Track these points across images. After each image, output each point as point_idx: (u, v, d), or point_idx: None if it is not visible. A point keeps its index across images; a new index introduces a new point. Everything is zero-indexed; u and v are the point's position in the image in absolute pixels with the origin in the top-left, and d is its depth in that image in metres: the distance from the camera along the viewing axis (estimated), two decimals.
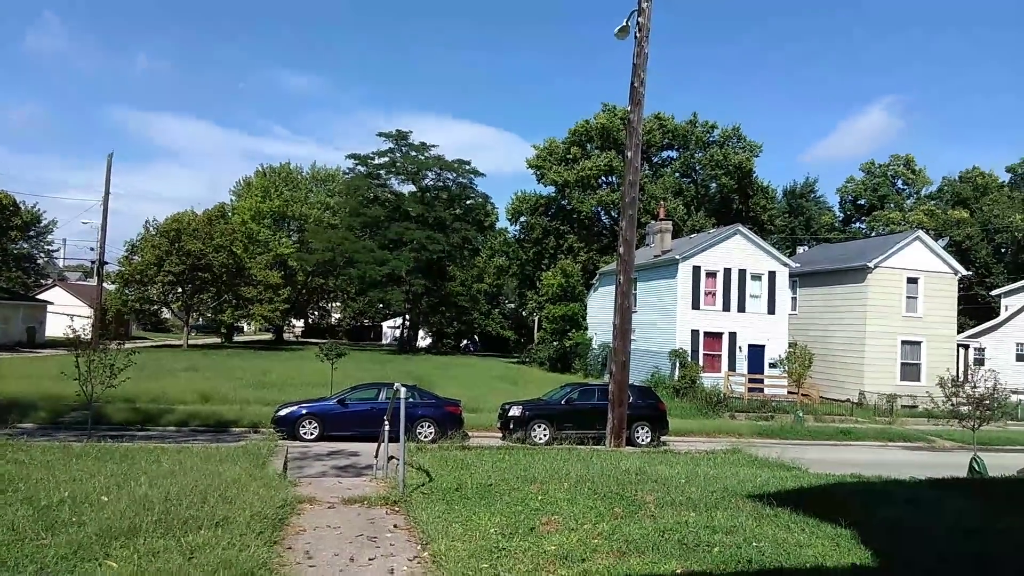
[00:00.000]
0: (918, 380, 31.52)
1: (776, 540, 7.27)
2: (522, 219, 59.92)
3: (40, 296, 57.75)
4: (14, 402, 19.14)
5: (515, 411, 19.02)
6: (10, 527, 6.44)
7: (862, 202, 67.43)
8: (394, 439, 10.64)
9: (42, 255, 66.47)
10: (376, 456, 11.96)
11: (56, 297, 58.64)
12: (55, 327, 47.43)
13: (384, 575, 6.38)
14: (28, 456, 10.24)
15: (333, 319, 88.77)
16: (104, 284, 42.24)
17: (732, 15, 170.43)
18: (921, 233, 33.75)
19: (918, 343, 32.11)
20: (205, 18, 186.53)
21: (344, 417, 17.96)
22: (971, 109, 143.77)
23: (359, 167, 60.58)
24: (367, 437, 15.89)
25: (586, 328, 43.32)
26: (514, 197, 60.69)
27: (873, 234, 57.48)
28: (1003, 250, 56.92)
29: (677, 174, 57.61)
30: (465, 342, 75.05)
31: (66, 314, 41.49)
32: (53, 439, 13.69)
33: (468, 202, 62.04)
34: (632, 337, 18.39)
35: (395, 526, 8.09)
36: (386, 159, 59.58)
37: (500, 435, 19.24)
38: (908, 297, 32.22)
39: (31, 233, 60.59)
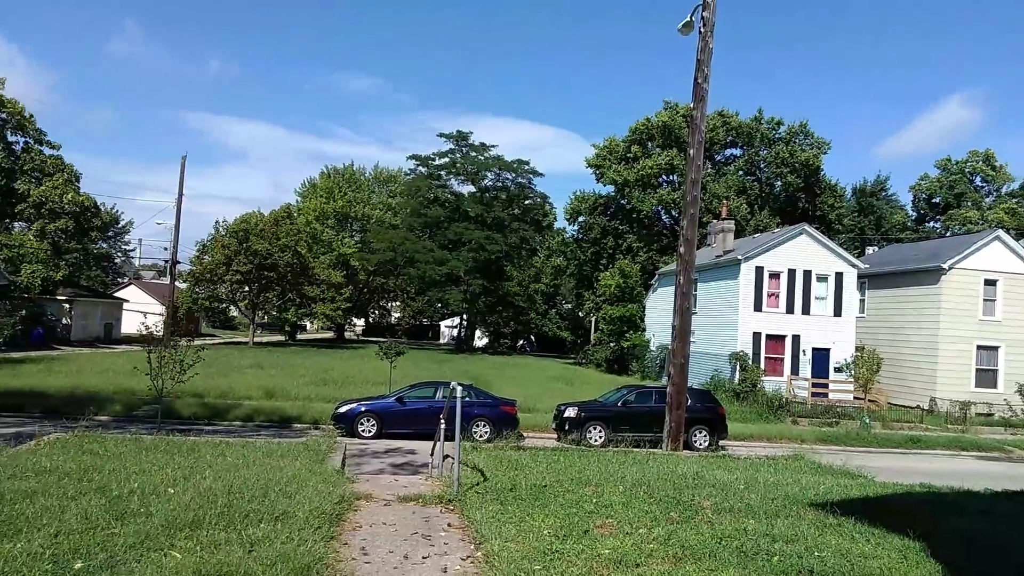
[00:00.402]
0: (995, 387, 30.05)
1: (839, 550, 7.04)
2: (580, 219, 59.61)
3: (117, 294, 60.41)
4: (92, 395, 20.09)
5: (570, 412, 18.92)
6: (84, 515, 6.75)
7: (937, 200, 64.59)
8: (450, 438, 10.71)
9: (119, 255, 69.71)
10: (432, 454, 12.07)
11: (131, 295, 61.25)
12: (130, 324, 49.64)
13: (437, 573, 6.43)
14: (103, 448, 10.73)
15: (393, 318, 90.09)
16: (176, 283, 43.94)
17: (799, 9, 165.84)
18: (1001, 232, 32.14)
19: (995, 348, 30.60)
20: (267, 24, 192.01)
21: (402, 415, 18.18)
22: None
23: (420, 168, 61.34)
24: (424, 435, 16.06)
25: (644, 329, 42.82)
26: (573, 197, 60.50)
27: (948, 234, 55.06)
28: None
29: (741, 172, 56.38)
30: (522, 342, 75.13)
31: (140, 311, 43.32)
32: (126, 431, 14.28)
33: (527, 202, 62.09)
34: (691, 339, 18.07)
35: (449, 525, 8.14)
36: (446, 160, 60.16)
37: (555, 436, 19.18)
38: (985, 300, 30.73)
39: (110, 234, 63.65)
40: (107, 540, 6.11)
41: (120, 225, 67.82)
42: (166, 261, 49.76)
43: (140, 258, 77.90)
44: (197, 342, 19.66)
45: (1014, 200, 60.34)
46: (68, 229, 42.74)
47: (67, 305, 46.26)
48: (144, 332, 16.30)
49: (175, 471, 9.12)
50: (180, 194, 39.13)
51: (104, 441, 11.32)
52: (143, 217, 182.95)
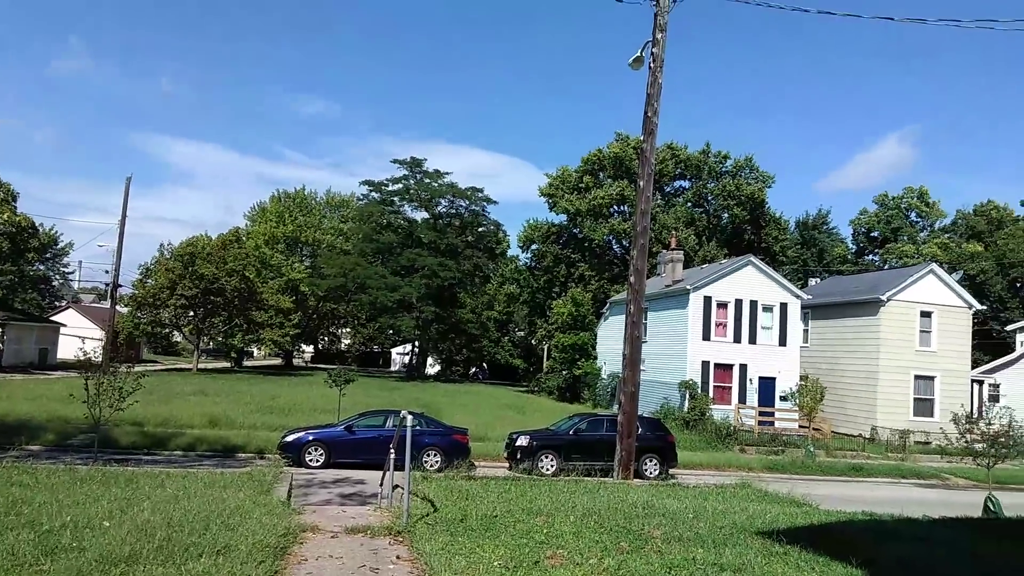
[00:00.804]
0: (932, 416, 31.09)
1: None
2: (533, 247, 60.09)
3: (53, 318, 58.21)
4: (23, 423, 19.22)
5: (522, 441, 18.86)
6: (10, 552, 6.40)
7: (875, 234, 67.19)
8: (400, 467, 10.55)
9: (57, 277, 67.25)
10: (381, 484, 11.87)
11: (69, 319, 59.08)
12: (67, 349, 47.73)
13: None
14: (33, 479, 10.24)
15: (343, 345, 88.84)
16: (117, 307, 42.56)
17: (746, 46, 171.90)
18: (935, 266, 33.53)
19: (932, 378, 31.72)
20: (221, 44, 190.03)
21: (351, 444, 17.88)
22: (985, 142, 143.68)
23: (373, 193, 61.10)
24: (374, 465, 15.80)
25: (595, 357, 43.14)
26: (526, 225, 61.01)
27: (886, 267, 57.17)
28: (1018, 284, 56.38)
29: (689, 204, 57.72)
30: (474, 370, 74.86)
31: (78, 336, 41.75)
32: (59, 462, 13.67)
33: (480, 229, 62.33)
34: (642, 368, 18.26)
35: (398, 557, 7.99)
36: (400, 186, 60.10)
37: (507, 465, 19.06)
38: (922, 331, 31.91)
39: (47, 255, 61.39)
40: None
41: (59, 246, 65.47)
42: (107, 284, 48.26)
43: (80, 281, 75.30)
44: (138, 368, 19.05)
45: (946, 235, 63.14)
46: (2, 250, 41.13)
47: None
48: (82, 358, 15.72)
49: (111, 503, 8.76)
50: (124, 215, 38.09)
51: (35, 472, 10.81)
52: (85, 238, 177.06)
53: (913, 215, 66.95)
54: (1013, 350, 38.93)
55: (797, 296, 32.31)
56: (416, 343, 62.60)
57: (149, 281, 50.44)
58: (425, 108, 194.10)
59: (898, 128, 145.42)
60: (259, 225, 68.11)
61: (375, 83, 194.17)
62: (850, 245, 69.38)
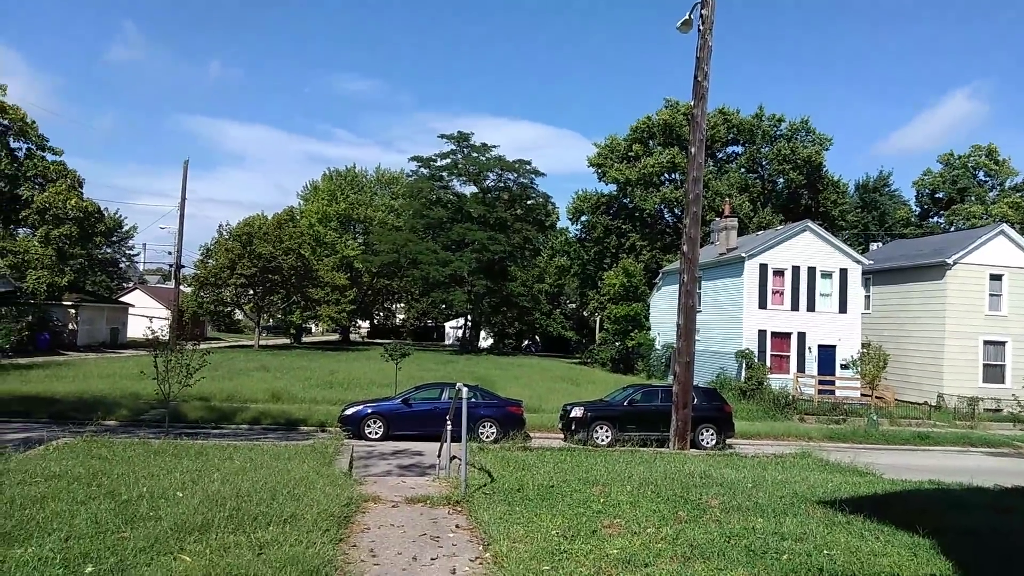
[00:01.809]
0: (1002, 382, 29.95)
1: (849, 548, 7.02)
2: (583, 218, 59.60)
3: (122, 299, 60.54)
4: (99, 400, 20.14)
5: (577, 412, 18.92)
6: (94, 520, 6.77)
7: (940, 195, 64.45)
8: (456, 439, 10.72)
9: (124, 259, 69.80)
10: (439, 456, 12.08)
11: (137, 300, 61.39)
12: (136, 329, 49.70)
13: (446, 574, 6.43)
14: (111, 452, 10.75)
15: (397, 320, 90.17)
16: (181, 287, 44.02)
17: (800, 6, 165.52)
18: (1005, 227, 32.03)
19: (1002, 343, 30.50)
20: (267, 27, 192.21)
21: (408, 417, 18.21)
22: None
23: (422, 169, 61.39)
24: (430, 436, 16.08)
25: (649, 328, 42.79)
26: (575, 196, 60.50)
27: (952, 229, 54.91)
28: None
29: (743, 169, 56.30)
30: (526, 342, 75.14)
31: (146, 316, 43.47)
32: (134, 436, 14.31)
33: (529, 202, 62.10)
34: (696, 337, 18.05)
35: (457, 526, 8.15)
36: (448, 161, 60.19)
37: (562, 436, 19.17)
38: (991, 295, 30.63)
39: (113, 239, 63.69)
40: (117, 544, 6.13)
41: (124, 230, 67.84)
42: (170, 265, 49.84)
43: (144, 263, 78.02)
44: (203, 346, 19.73)
45: (1018, 194, 60.17)
46: (72, 235, 42.79)
47: (73, 310, 46.39)
48: (150, 336, 16.35)
49: (183, 475, 9.14)
50: (183, 198, 39.22)
51: (112, 445, 11.35)
52: (146, 222, 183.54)
53: (981, 174, 63.90)
54: None
55: (857, 261, 31.35)
56: (468, 317, 63.10)
57: (210, 261, 51.95)
58: (469, 83, 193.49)
59: (965, 84, 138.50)
60: (312, 204, 69.28)
61: (418, 60, 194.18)
62: (913, 207, 66.80)
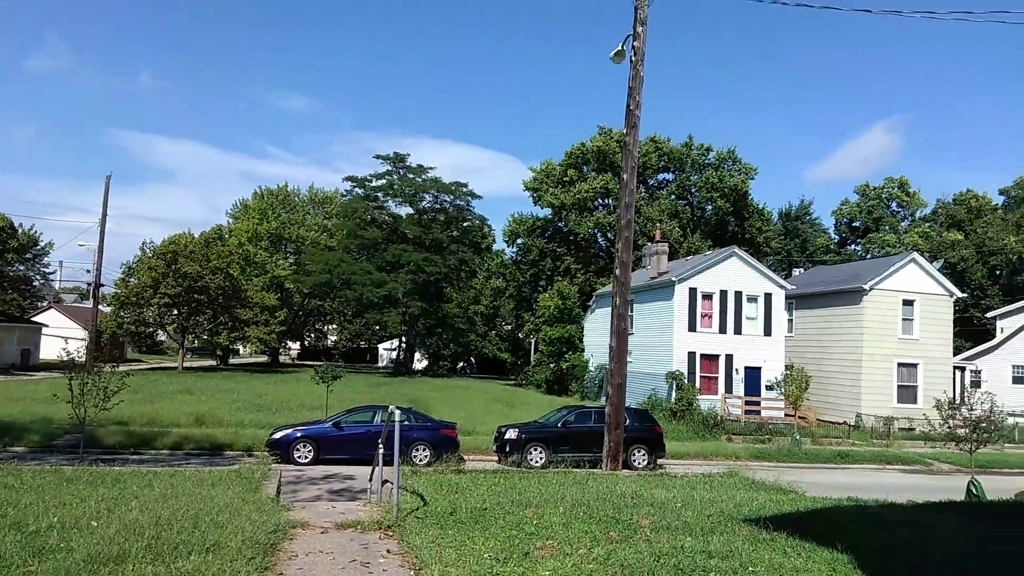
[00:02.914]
0: (915, 403, 31.48)
1: (772, 565, 7.21)
2: (519, 241, 60.06)
3: (35, 318, 57.58)
4: (7, 425, 19.02)
5: (511, 434, 18.91)
6: None
7: (857, 224, 67.80)
8: (389, 463, 10.56)
9: (38, 277, 66.38)
10: (371, 480, 11.87)
11: (51, 319, 58.47)
12: (50, 350, 47.33)
13: None
14: (18, 480, 10.15)
15: (329, 341, 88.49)
16: (100, 306, 42.13)
17: (729, 40, 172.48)
18: (916, 255, 33.89)
19: (915, 365, 32.10)
20: (201, 40, 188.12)
21: (339, 440, 17.86)
22: (964, 132, 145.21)
23: (357, 189, 60.84)
24: (362, 460, 15.79)
25: (583, 350, 43.26)
26: (511, 219, 60.91)
27: (868, 256, 57.72)
28: (998, 272, 57.18)
29: (673, 196, 57.88)
30: (461, 364, 74.82)
31: (61, 336, 41.35)
32: (44, 463, 13.57)
33: (465, 224, 62.23)
34: (629, 359, 18.35)
35: (388, 551, 8.00)
36: (384, 181, 59.83)
37: (496, 458, 19.11)
38: (904, 319, 32.26)
39: (28, 255, 60.60)
40: None
41: (39, 246, 64.53)
42: (89, 284, 47.70)
43: (61, 281, 74.49)
44: (122, 368, 18.91)
45: (927, 224, 63.84)
46: None
47: None
48: (65, 358, 15.60)
49: (98, 503, 8.70)
50: (104, 214, 37.70)
51: (20, 473, 10.72)
52: (66, 238, 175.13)
53: (894, 205, 67.61)
54: (993, 336, 39.48)
55: (781, 286, 32.56)
56: (403, 338, 62.50)
57: (132, 280, 50.00)
58: (408, 104, 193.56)
59: (879, 120, 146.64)
60: (242, 222, 67.65)
61: (356, 79, 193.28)
62: (833, 235, 70.00)
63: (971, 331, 49.36)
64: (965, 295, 42.62)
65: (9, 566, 6.08)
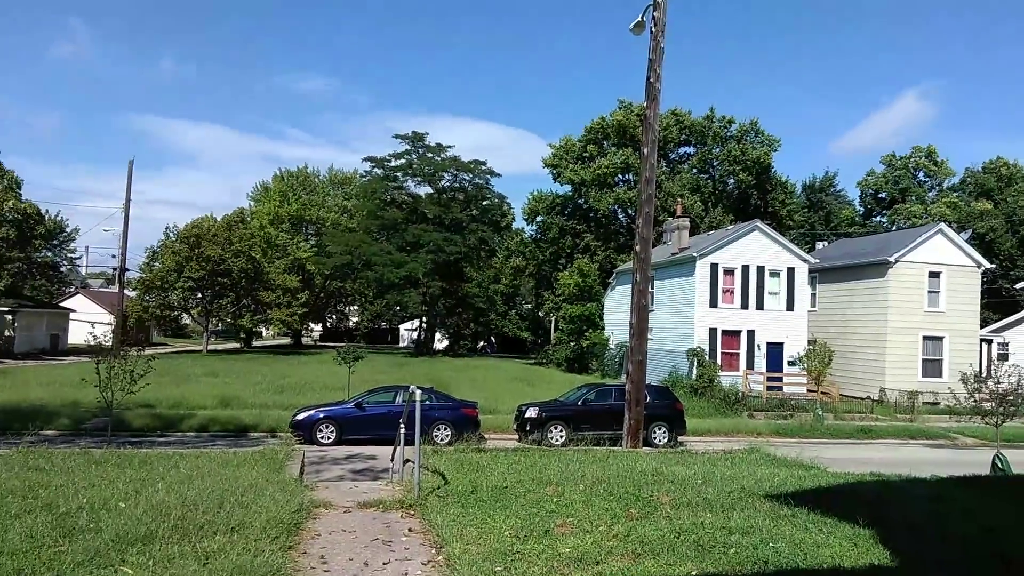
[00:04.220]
0: (940, 376, 31.06)
1: (793, 540, 7.20)
2: (538, 219, 59.81)
3: (63, 304, 58.59)
4: (37, 409, 19.44)
5: (531, 412, 18.98)
6: (29, 534, 6.53)
7: (883, 195, 66.57)
8: (410, 442, 10.66)
9: (65, 263, 67.43)
10: (392, 459, 11.99)
11: (79, 304, 59.46)
12: (77, 334, 48.13)
13: None
14: (49, 463, 10.39)
15: (351, 322, 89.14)
16: (125, 291, 42.77)
17: (752, 8, 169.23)
18: (943, 226, 33.26)
19: (940, 339, 31.64)
20: (218, 24, 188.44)
21: (361, 420, 18.03)
22: (996, 100, 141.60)
23: (376, 170, 60.80)
24: (384, 440, 15.92)
25: (603, 328, 43.17)
26: (530, 197, 60.62)
27: (894, 228, 56.77)
28: None
29: (694, 170, 57.22)
30: (482, 343, 75.07)
31: (88, 321, 42.05)
32: (74, 446, 13.87)
33: (484, 203, 62.04)
34: (649, 336, 18.30)
35: (410, 530, 8.11)
36: (402, 161, 59.75)
37: (516, 437, 19.21)
38: (930, 292, 31.75)
39: (54, 242, 61.49)
40: (54, 558, 5.93)
41: (66, 232, 65.39)
42: (114, 269, 48.39)
43: (87, 266, 75.63)
44: (148, 351, 19.15)
45: (955, 194, 62.52)
46: (9, 237, 41.28)
47: (10, 316, 44.69)
48: (92, 342, 15.85)
49: (126, 485, 8.89)
50: (128, 199, 38.10)
51: (51, 456, 10.96)
52: (90, 224, 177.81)
53: (921, 175, 66.22)
54: (1022, 308, 38.77)
55: (804, 260, 32.17)
56: (423, 319, 62.76)
57: (156, 264, 50.63)
58: (425, 82, 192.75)
59: (906, 90, 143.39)
60: (263, 205, 68.02)
61: (374, 59, 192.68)
62: (858, 207, 68.82)
63: (999, 303, 48.48)
64: (994, 266, 41.81)
65: (40, 546, 6.24)
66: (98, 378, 14.36)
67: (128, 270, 42.56)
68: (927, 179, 66.19)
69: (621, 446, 16.43)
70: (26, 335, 46.31)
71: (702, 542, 7.09)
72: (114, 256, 50.67)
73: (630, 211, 53.57)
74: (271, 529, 7.23)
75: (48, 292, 57.59)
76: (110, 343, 16.67)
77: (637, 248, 17.12)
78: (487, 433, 19.20)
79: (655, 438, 19.00)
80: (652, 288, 32.55)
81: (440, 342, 68.75)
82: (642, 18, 16.67)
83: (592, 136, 56.94)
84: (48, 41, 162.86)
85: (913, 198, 63.13)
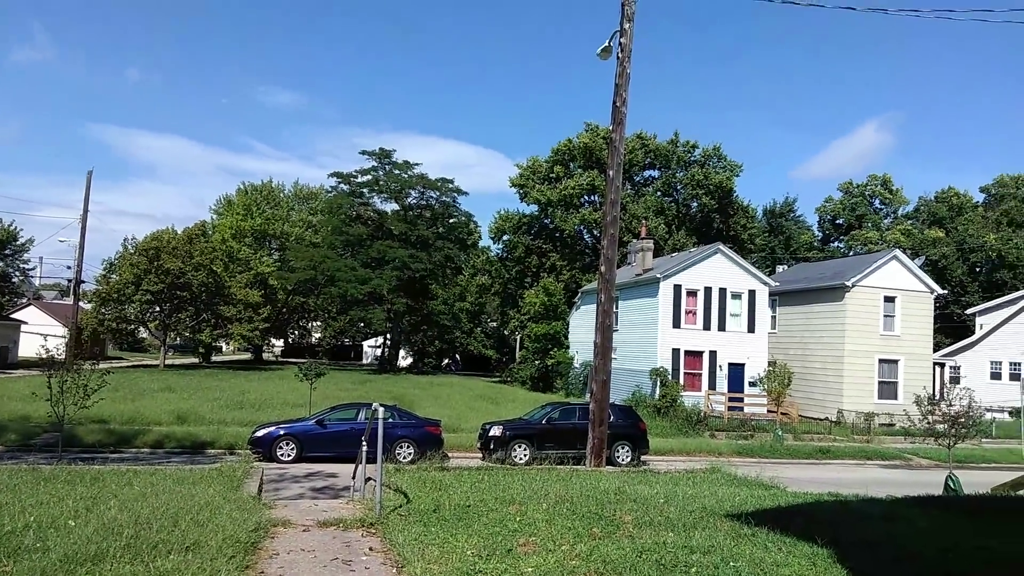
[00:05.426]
0: (895, 398, 31.78)
1: (753, 560, 7.26)
2: (505, 237, 60.01)
3: (14, 316, 56.79)
4: None
5: (495, 431, 18.91)
6: None
7: (840, 221, 68.38)
8: (372, 460, 10.52)
9: (17, 274, 65.48)
10: (354, 478, 11.83)
11: (31, 316, 57.72)
12: (29, 347, 46.61)
13: None
14: None
15: (313, 338, 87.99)
16: (80, 303, 41.65)
17: (717, 37, 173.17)
18: (898, 252, 34.21)
19: (895, 361, 32.41)
20: (185, 35, 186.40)
21: (322, 438, 17.77)
22: (950, 132, 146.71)
23: (342, 185, 60.47)
24: (346, 458, 15.72)
25: (568, 347, 43.32)
26: (497, 216, 60.87)
27: (851, 253, 58.20)
28: (978, 269, 57.87)
29: (659, 193, 58.07)
30: (447, 361, 74.67)
31: (40, 334, 40.82)
32: (22, 462, 13.40)
33: (451, 220, 62.04)
34: (613, 356, 18.40)
35: (371, 549, 7.98)
36: (369, 177, 59.51)
37: (480, 455, 19.11)
38: (886, 316, 32.57)
39: (7, 251, 59.73)
40: None
41: (19, 242, 63.62)
42: (69, 280, 47.18)
43: (41, 277, 73.40)
44: (103, 365, 18.69)
45: (909, 222, 64.48)
46: None
47: None
48: (44, 355, 15.38)
49: (76, 502, 8.61)
50: (85, 210, 37.29)
51: None
52: (46, 234, 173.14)
53: (877, 202, 68.23)
54: (973, 333, 39.99)
55: (765, 283, 32.76)
56: (388, 336, 62.26)
57: (113, 277, 49.43)
58: (394, 99, 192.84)
59: (867, 120, 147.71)
60: (226, 218, 67.00)
61: (342, 74, 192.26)
62: (816, 232, 70.51)
63: (951, 327, 49.96)
64: (946, 292, 43.10)
65: None
66: (49, 392, 13.95)
67: (84, 282, 41.55)
68: (883, 206, 68.21)
69: (585, 465, 16.43)
70: None
71: (664, 561, 7.11)
72: (69, 267, 49.48)
73: (595, 232, 54.06)
74: (227, 548, 7.05)
75: None
76: (63, 356, 16.21)
77: (602, 269, 17.25)
78: (451, 451, 19.05)
79: (618, 457, 19.07)
80: (617, 308, 32.80)
81: (404, 359, 68.21)
82: (609, 43, 16.93)
83: (559, 157, 57.49)
84: (7, 46, 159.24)
85: (869, 224, 64.94)
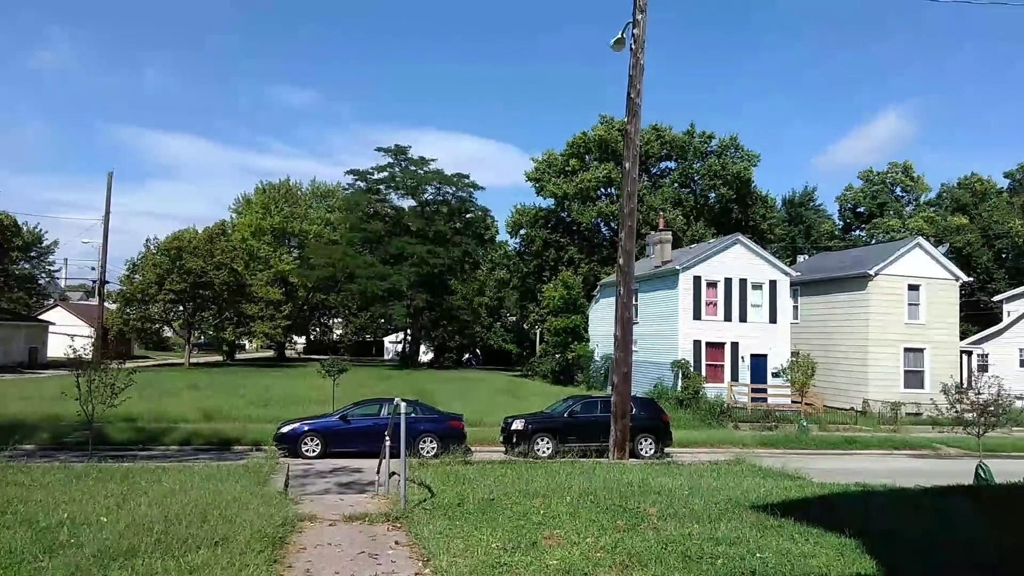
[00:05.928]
0: (922, 387, 31.38)
1: (780, 551, 7.22)
2: (522, 232, 59.95)
3: (41, 317, 57.79)
4: (16, 423, 19.09)
5: (518, 425, 18.93)
6: (8, 550, 6.41)
7: (861, 210, 67.44)
8: (396, 455, 10.59)
9: (44, 275, 66.63)
10: (378, 472, 11.91)
11: (57, 317, 58.67)
12: (57, 347, 47.39)
13: None
14: (28, 478, 10.22)
15: (335, 335, 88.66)
16: (105, 303, 42.26)
17: (733, 26, 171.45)
18: (921, 240, 33.73)
19: (921, 350, 31.99)
20: (200, 36, 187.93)
21: (346, 433, 17.90)
22: (970, 116, 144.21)
23: (359, 182, 60.77)
24: (370, 453, 15.79)
25: (588, 340, 43.23)
26: (514, 210, 60.79)
27: (873, 242, 57.46)
28: (1003, 255, 56.85)
29: (676, 184, 57.67)
30: (467, 356, 74.89)
31: (67, 334, 41.49)
32: (54, 460, 13.63)
33: (468, 216, 62.15)
34: (634, 348, 18.34)
35: (396, 543, 8.04)
36: (385, 174, 59.76)
37: (503, 449, 19.15)
38: (910, 304, 32.14)
39: (32, 253, 60.82)
40: (34, 574, 5.82)
41: (44, 244, 64.80)
42: (94, 281, 47.85)
43: (67, 279, 74.55)
44: (129, 364, 18.93)
45: (931, 209, 63.47)
46: None
47: None
48: (72, 355, 15.63)
49: (108, 499, 8.76)
50: (107, 211, 37.75)
51: (30, 471, 10.79)
52: (70, 236, 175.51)
53: (898, 190, 67.20)
54: (1000, 320, 39.33)
55: (786, 273, 32.46)
56: (408, 331, 62.57)
57: (137, 277, 50.12)
58: (408, 95, 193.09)
59: (886, 108, 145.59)
60: (245, 217, 67.67)
61: (356, 71, 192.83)
62: (837, 221, 69.63)
63: (978, 315, 49.16)
64: (971, 279, 42.41)
65: (20, 562, 6.13)
66: (78, 391, 14.17)
67: (108, 282, 42.13)
68: (904, 194, 67.17)
69: (608, 458, 16.41)
70: (3, 348, 45.65)
71: (689, 553, 7.09)
72: (93, 268, 50.16)
73: (613, 224, 53.85)
74: (256, 543, 7.14)
75: (26, 305, 56.81)
76: (90, 356, 16.45)
77: (620, 261, 17.19)
78: (473, 446, 19.11)
79: (641, 450, 19.02)
80: (636, 301, 32.67)
81: (425, 355, 68.51)
82: (622, 35, 16.81)
83: (574, 150, 57.27)
84: (27, 50, 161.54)
85: (891, 212, 63.99)
